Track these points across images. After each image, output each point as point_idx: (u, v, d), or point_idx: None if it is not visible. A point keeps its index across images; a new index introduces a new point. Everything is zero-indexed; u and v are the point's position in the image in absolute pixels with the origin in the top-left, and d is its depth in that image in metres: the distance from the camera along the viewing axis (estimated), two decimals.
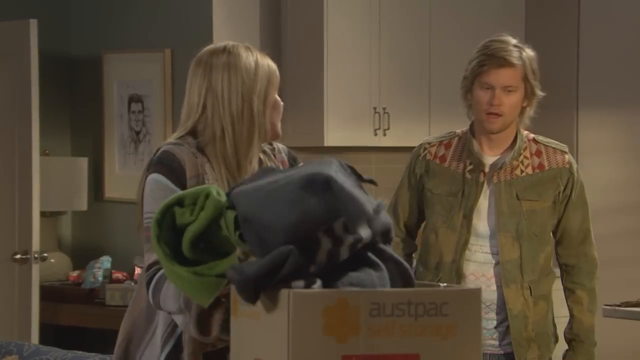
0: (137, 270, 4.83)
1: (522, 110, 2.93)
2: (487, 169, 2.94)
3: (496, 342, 2.93)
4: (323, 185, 1.75)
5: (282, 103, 2.43)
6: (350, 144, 5.07)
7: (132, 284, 4.81)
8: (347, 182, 1.81)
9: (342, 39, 4.96)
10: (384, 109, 5.05)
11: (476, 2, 5.25)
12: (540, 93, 2.94)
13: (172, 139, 2.33)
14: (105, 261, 4.92)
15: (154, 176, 2.23)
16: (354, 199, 1.76)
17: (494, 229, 2.92)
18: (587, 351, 2.98)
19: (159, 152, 2.29)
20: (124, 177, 5.16)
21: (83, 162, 5.21)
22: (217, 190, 1.92)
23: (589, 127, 5.35)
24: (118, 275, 4.89)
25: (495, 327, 2.94)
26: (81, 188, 5.17)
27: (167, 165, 2.24)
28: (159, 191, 2.21)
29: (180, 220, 1.88)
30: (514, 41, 2.94)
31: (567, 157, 2.98)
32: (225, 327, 2.01)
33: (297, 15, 5.06)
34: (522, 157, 2.94)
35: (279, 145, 2.46)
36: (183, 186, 2.21)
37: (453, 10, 5.20)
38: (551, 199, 2.93)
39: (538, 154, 2.96)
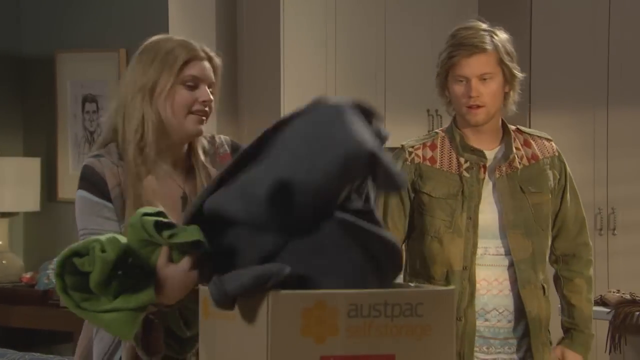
0: None
1: (506, 96, 2.72)
2: (487, 164, 2.72)
3: (511, 356, 2.72)
4: (369, 164, 1.81)
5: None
6: None
7: None
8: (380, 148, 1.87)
9: (299, 38, 4.98)
10: None
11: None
12: (519, 75, 2.72)
13: (94, 150, 2.32)
14: None
15: (79, 192, 2.27)
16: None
17: (502, 228, 2.70)
18: (585, 341, 2.81)
19: (82, 167, 2.30)
20: (77, 177, 5.11)
21: (36, 162, 5.16)
22: (105, 240, 1.91)
23: (541, 128, 5.43)
24: None
25: (508, 338, 2.72)
26: (34, 188, 5.12)
27: (88, 179, 2.26)
28: (85, 207, 2.24)
29: (82, 268, 1.92)
30: (483, 25, 2.73)
31: (554, 144, 2.82)
32: (167, 340, 2.06)
33: (254, 16, 5.06)
34: (513, 149, 2.76)
35: (221, 138, 2.37)
36: (107, 198, 2.23)
37: (407, 9, 5.25)
38: (549, 190, 2.77)
39: (527, 144, 2.78)
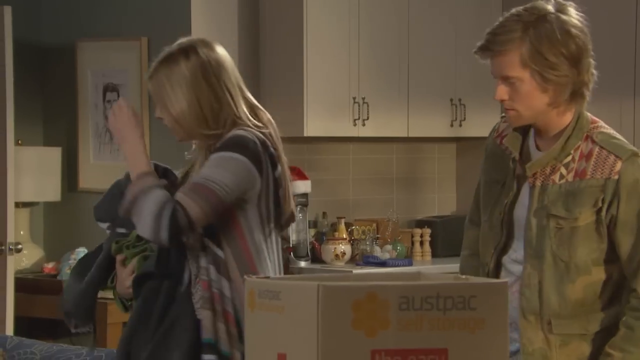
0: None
1: (558, 103, 2.30)
2: (526, 162, 2.36)
3: None
4: None
5: None
6: (329, 134, 5.05)
7: None
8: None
9: (322, 28, 4.93)
10: (363, 99, 5.03)
11: None
12: (554, 77, 2.26)
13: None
14: (81, 252, 4.85)
15: None
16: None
17: (524, 248, 2.36)
18: None
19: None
20: (99, 167, 5.09)
21: (56, 152, 5.13)
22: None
23: None
24: None
25: (514, 353, 2.38)
26: (54, 178, 5.09)
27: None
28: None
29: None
30: (515, 17, 2.29)
31: (620, 165, 2.29)
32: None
33: (276, 4, 5.02)
34: (569, 158, 2.33)
35: (228, 134, 2.54)
36: None
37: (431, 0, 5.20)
38: (586, 218, 2.31)
39: (588, 156, 2.33)
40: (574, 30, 2.28)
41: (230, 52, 5.00)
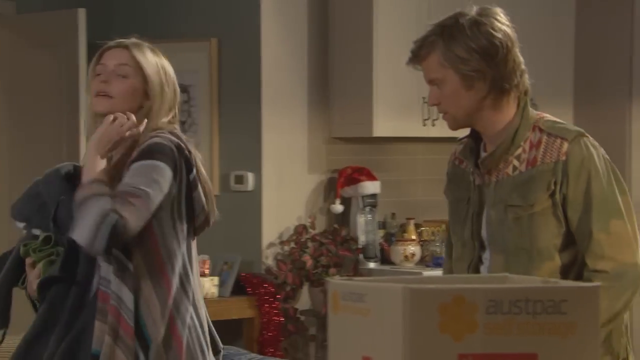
0: None
1: (483, 99, 2.31)
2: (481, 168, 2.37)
3: None
4: None
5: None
6: (399, 135, 5.01)
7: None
8: None
9: (391, 28, 4.90)
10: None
11: None
12: (470, 72, 2.28)
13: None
14: None
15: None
16: None
17: (487, 245, 2.39)
18: None
19: None
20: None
21: None
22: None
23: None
24: None
25: None
26: None
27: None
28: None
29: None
30: (435, 24, 2.37)
31: (567, 146, 2.32)
32: None
33: (346, 4, 4.99)
34: (519, 150, 2.35)
35: (148, 140, 2.47)
36: None
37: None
38: (542, 203, 2.32)
39: (538, 145, 2.35)
40: (485, 27, 2.32)
41: (300, 52, 5.06)
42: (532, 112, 2.39)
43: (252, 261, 4.93)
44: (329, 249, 4.89)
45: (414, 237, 5.00)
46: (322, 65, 5.06)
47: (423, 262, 5.00)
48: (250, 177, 4.96)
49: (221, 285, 4.82)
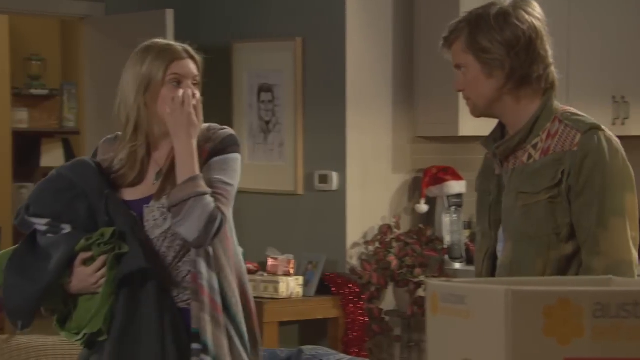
0: (270, 262, 4.79)
1: (502, 88, 2.33)
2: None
3: None
4: None
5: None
6: (485, 134, 4.93)
7: (264, 274, 4.78)
8: None
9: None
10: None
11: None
12: (490, 60, 2.30)
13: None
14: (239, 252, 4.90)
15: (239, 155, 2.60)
16: None
17: (502, 233, 2.41)
18: None
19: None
20: (253, 167, 5.13)
21: None
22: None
23: None
24: (249, 266, 4.87)
25: None
26: None
27: None
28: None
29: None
30: (468, 12, 2.40)
31: (580, 137, 2.30)
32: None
33: (432, 3, 4.94)
34: (537, 139, 2.35)
35: (217, 133, 2.58)
36: None
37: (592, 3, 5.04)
38: (548, 192, 2.30)
39: (554, 135, 2.35)
40: (512, 19, 2.34)
41: (385, 51, 5.02)
42: (557, 105, 2.38)
43: (336, 261, 4.91)
44: (414, 249, 4.85)
45: None
46: (407, 64, 5.01)
47: None
48: (334, 176, 4.94)
49: (306, 285, 4.82)
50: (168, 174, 2.56)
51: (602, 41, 4.99)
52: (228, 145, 2.55)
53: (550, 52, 2.38)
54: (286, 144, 5.06)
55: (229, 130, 2.59)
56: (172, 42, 2.65)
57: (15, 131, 6.60)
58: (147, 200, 2.58)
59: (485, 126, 4.89)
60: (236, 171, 2.56)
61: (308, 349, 3.24)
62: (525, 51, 2.33)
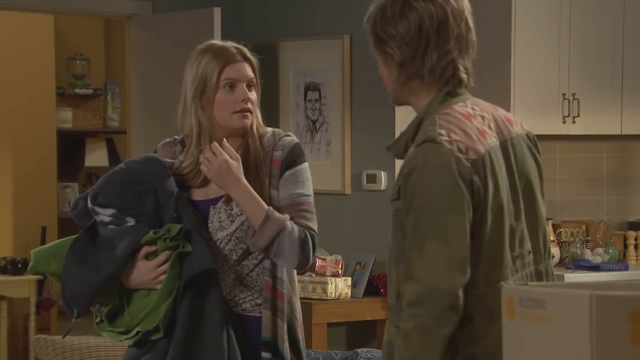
0: (318, 262, 4.74)
1: (396, 80, 2.18)
2: None
3: None
4: None
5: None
6: (537, 132, 4.82)
7: (313, 275, 4.73)
8: None
9: (530, 23, 4.74)
10: (574, 95, 4.81)
11: None
12: (389, 52, 2.16)
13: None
14: None
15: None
16: None
17: None
18: None
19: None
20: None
21: None
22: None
23: None
24: None
25: None
26: None
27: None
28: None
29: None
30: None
31: (411, 150, 2.12)
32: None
33: (486, 0, 4.87)
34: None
35: (285, 140, 2.58)
36: None
37: None
38: (394, 206, 2.16)
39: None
40: (406, 8, 2.15)
41: None
42: (439, 102, 2.16)
43: (385, 261, 4.85)
44: None
45: (552, 238, 4.84)
46: None
47: (563, 264, 4.83)
48: (382, 176, 4.88)
49: (354, 285, 4.76)
50: None
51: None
52: (298, 156, 2.59)
53: (462, 42, 2.16)
54: (333, 143, 5.00)
55: (294, 138, 2.62)
56: (227, 44, 2.62)
57: (60, 131, 6.60)
58: (213, 201, 2.57)
59: (538, 125, 4.81)
60: (310, 179, 2.61)
61: (363, 351, 3.19)
62: (416, 42, 2.14)
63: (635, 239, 4.96)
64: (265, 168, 2.56)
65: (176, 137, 2.70)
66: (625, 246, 4.96)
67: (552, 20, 4.78)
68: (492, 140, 2.17)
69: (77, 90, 6.73)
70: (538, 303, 1.65)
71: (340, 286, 4.66)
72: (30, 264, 2.60)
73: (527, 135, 2.28)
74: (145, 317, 2.49)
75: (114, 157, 6.83)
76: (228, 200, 2.55)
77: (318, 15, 5.09)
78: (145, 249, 2.51)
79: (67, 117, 6.72)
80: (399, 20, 2.16)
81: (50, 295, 6.22)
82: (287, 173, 2.56)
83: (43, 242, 6.27)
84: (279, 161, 2.56)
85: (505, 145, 2.19)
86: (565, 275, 4.61)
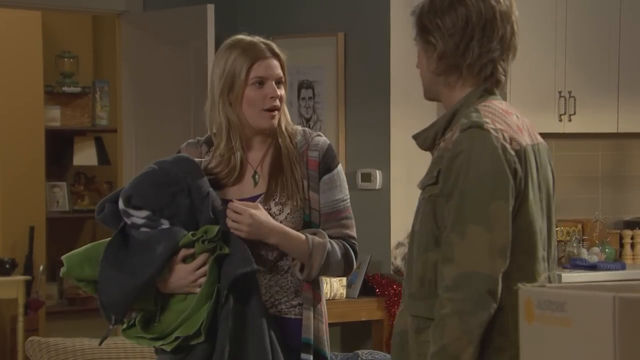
0: None
1: (434, 71, 2.22)
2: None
3: None
4: None
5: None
6: None
7: None
8: None
9: (526, 21, 4.68)
10: (570, 92, 4.77)
11: None
12: (433, 42, 2.18)
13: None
14: None
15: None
16: None
17: None
18: None
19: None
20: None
21: None
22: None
23: None
24: None
25: None
26: None
27: None
28: None
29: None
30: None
31: (456, 135, 2.12)
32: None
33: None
34: (451, 132, 2.21)
35: (318, 140, 2.55)
36: None
37: None
38: (428, 190, 2.16)
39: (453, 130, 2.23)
40: (461, 8, 2.18)
41: None
42: (476, 96, 2.18)
43: (380, 261, 4.80)
44: None
45: None
46: None
47: (559, 263, 4.79)
48: (378, 175, 4.83)
49: (349, 286, 4.71)
50: (271, 176, 2.53)
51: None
52: (333, 159, 2.58)
53: (505, 44, 2.21)
54: None
55: (326, 139, 2.61)
56: (256, 39, 2.59)
57: (48, 129, 6.52)
58: (249, 200, 2.53)
59: (534, 123, 4.77)
60: (345, 180, 2.63)
61: (364, 352, 3.16)
62: (460, 36, 2.16)
63: (632, 238, 4.93)
64: (302, 169, 2.53)
65: (199, 137, 2.66)
66: (622, 245, 4.93)
67: (549, 18, 4.74)
68: (526, 139, 2.18)
69: (65, 89, 6.65)
70: (558, 306, 1.60)
71: (335, 286, 4.61)
72: (63, 269, 2.49)
73: (546, 146, 2.32)
74: (184, 322, 2.41)
75: (102, 156, 6.76)
76: (267, 199, 2.51)
77: (312, 12, 5.03)
78: (183, 252, 2.44)
79: (55, 116, 6.64)
80: (447, 12, 2.18)
81: (38, 296, 6.14)
82: (326, 177, 2.57)
83: (31, 243, 6.19)
84: (315, 162, 2.55)
85: (534, 149, 2.21)
86: (562, 274, 4.57)
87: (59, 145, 6.70)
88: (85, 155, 6.76)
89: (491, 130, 2.10)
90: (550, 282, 2.13)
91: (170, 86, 4.94)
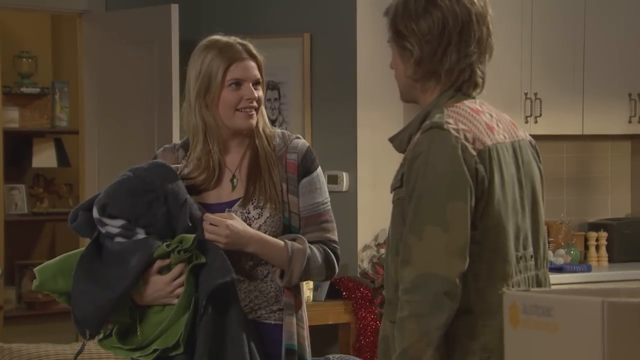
0: None
1: (409, 71, 2.18)
2: None
3: None
4: None
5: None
6: None
7: None
8: None
9: (496, 22, 4.69)
10: (536, 94, 4.78)
11: None
12: (408, 47, 2.14)
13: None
14: None
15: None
16: None
17: None
18: None
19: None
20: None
21: None
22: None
23: None
24: None
25: None
26: None
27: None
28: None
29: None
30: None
31: (417, 137, 2.12)
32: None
33: None
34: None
35: (297, 143, 2.52)
36: None
37: None
38: (396, 194, 2.14)
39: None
40: (430, 6, 2.14)
41: None
42: (449, 98, 2.15)
43: (347, 264, 4.76)
44: None
45: None
46: None
47: None
48: (344, 177, 4.80)
49: (316, 289, 4.67)
50: (249, 179, 2.48)
51: (618, 37, 4.87)
52: (312, 161, 2.57)
53: (482, 46, 2.17)
54: None
55: (305, 142, 2.58)
56: (232, 40, 2.54)
57: (6, 131, 6.41)
58: (228, 204, 2.48)
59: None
60: (325, 183, 2.61)
61: (335, 357, 3.13)
62: (437, 41, 2.13)
63: (597, 240, 4.95)
64: (281, 172, 2.49)
65: (175, 142, 2.60)
66: (587, 247, 4.94)
67: (514, 20, 4.74)
68: (501, 137, 2.15)
69: (23, 89, 6.54)
70: (544, 310, 1.58)
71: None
72: (36, 282, 2.41)
73: (530, 143, 2.26)
74: (163, 333, 2.35)
75: (62, 158, 6.65)
76: (245, 202, 2.46)
77: (278, 13, 4.98)
78: (159, 263, 2.39)
79: (13, 117, 6.52)
80: (422, 16, 2.12)
81: None
82: (305, 180, 2.54)
83: None
84: (294, 165, 2.51)
85: (515, 146, 2.16)
86: None
87: (17, 146, 6.59)
88: (44, 157, 6.66)
89: (451, 130, 2.07)
90: (538, 282, 2.09)
91: (133, 87, 4.87)
